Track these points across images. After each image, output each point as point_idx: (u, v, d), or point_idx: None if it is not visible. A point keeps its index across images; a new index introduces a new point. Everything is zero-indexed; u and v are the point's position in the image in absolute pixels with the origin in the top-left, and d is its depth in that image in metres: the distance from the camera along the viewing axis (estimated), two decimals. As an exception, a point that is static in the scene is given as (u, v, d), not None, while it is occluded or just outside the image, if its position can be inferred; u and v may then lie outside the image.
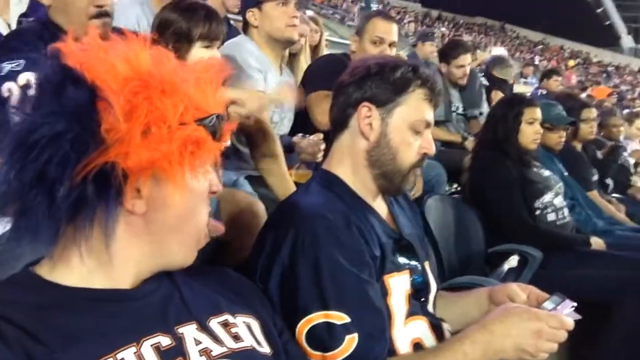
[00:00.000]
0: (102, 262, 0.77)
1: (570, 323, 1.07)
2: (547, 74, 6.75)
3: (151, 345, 0.75)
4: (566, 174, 3.16)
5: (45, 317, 0.71)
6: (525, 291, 1.28)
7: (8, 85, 1.32)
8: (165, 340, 0.77)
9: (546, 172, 2.75)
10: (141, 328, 0.76)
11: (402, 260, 1.27)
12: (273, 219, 1.25)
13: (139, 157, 0.71)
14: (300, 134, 2.18)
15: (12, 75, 1.32)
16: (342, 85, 1.29)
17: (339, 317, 1.07)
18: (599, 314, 2.35)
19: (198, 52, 1.70)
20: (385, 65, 1.25)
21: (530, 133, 2.64)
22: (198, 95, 0.78)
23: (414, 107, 1.24)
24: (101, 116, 0.70)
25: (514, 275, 2.42)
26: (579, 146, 3.57)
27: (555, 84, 6.40)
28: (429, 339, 1.25)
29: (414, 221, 1.45)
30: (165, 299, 0.83)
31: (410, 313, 1.24)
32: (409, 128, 1.24)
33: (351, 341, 1.06)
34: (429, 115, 1.26)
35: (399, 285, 1.22)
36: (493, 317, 1.11)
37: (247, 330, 0.88)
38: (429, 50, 5.07)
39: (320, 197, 1.21)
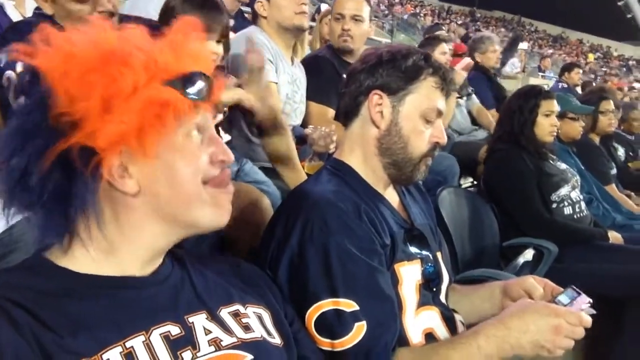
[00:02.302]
0: (105, 250, 0.77)
1: (588, 320, 1.05)
2: (568, 67, 6.66)
3: (160, 334, 0.74)
4: (583, 167, 3.11)
5: (55, 303, 0.71)
6: (541, 284, 1.26)
7: (7, 74, 1.36)
8: (174, 330, 0.76)
9: (563, 165, 2.71)
10: (151, 316, 0.75)
11: (413, 249, 1.26)
12: (283, 207, 1.24)
13: (106, 133, 0.70)
14: (312, 126, 2.16)
15: (11, 65, 1.35)
16: (353, 72, 1.27)
17: (348, 305, 1.06)
18: (616, 309, 2.32)
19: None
20: (397, 53, 1.23)
21: (546, 125, 2.60)
22: (167, 58, 0.75)
23: (425, 95, 1.23)
24: (51, 104, 0.70)
25: (529, 269, 2.39)
26: (596, 139, 3.51)
27: (577, 77, 6.31)
28: (440, 330, 1.24)
29: (426, 212, 1.44)
30: (176, 288, 0.82)
31: (422, 303, 1.23)
32: (420, 116, 1.22)
33: (360, 329, 1.06)
34: (441, 103, 1.24)
35: (409, 275, 1.21)
36: (510, 312, 1.09)
37: (258, 320, 0.88)
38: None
39: (330, 186, 1.21)
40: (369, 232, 1.13)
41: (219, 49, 1.71)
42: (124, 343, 0.71)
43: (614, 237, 2.55)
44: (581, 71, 6.65)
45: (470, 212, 2.52)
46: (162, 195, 0.77)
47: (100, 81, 0.70)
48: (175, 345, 0.75)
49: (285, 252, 1.12)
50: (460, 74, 3.53)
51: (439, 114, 1.25)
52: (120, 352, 0.70)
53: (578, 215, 2.61)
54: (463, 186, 3.69)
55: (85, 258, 0.76)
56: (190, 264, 0.88)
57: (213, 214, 0.81)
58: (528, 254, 2.32)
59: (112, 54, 0.72)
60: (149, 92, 0.72)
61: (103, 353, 0.69)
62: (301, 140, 2.23)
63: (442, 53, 3.52)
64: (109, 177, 0.73)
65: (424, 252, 1.27)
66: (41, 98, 0.71)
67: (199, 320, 0.80)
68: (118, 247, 0.77)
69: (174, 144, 0.76)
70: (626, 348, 2.28)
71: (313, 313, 1.06)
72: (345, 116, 1.30)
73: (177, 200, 0.78)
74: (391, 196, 1.32)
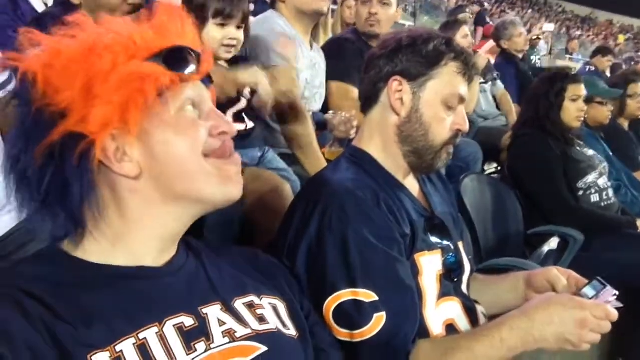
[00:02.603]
0: (113, 239, 0.77)
1: (615, 314, 1.01)
2: (602, 51, 6.47)
3: (174, 325, 0.74)
4: (611, 153, 3.03)
5: (68, 293, 0.70)
6: (565, 275, 1.23)
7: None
8: (188, 321, 0.75)
9: (590, 152, 2.64)
10: (164, 308, 0.75)
11: (434, 239, 1.23)
12: (301, 195, 1.22)
13: (92, 116, 0.70)
14: (332, 111, 2.13)
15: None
16: (372, 58, 1.24)
17: (368, 295, 1.04)
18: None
19: (211, 29, 1.66)
20: (417, 38, 1.20)
21: (573, 110, 2.53)
22: (148, 37, 0.76)
23: (447, 81, 1.19)
24: (37, 98, 0.71)
25: (554, 257, 2.35)
26: (625, 124, 3.41)
27: (608, 63, 6.14)
28: (462, 321, 1.22)
29: (447, 200, 1.41)
30: (190, 278, 0.81)
31: (443, 294, 1.20)
32: (442, 103, 1.19)
33: (379, 319, 1.04)
34: (463, 89, 1.21)
35: (430, 265, 1.19)
36: (535, 304, 1.06)
37: (273, 311, 0.87)
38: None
39: (349, 174, 1.18)
40: (388, 221, 1.11)
41: (239, 34, 1.68)
42: (137, 334, 0.70)
43: (643, 225, 2.48)
44: (613, 59, 6.45)
45: (494, 199, 2.48)
46: (163, 174, 0.76)
47: (81, 68, 0.71)
48: (189, 336, 0.74)
49: (304, 240, 1.10)
50: (483, 58, 3.46)
51: (461, 100, 1.21)
52: (134, 344, 0.70)
53: (605, 202, 2.55)
54: (487, 172, 3.63)
55: (96, 248, 0.76)
56: (205, 255, 0.87)
57: (221, 186, 0.79)
58: (553, 243, 2.27)
59: (93, 43, 0.73)
60: (128, 68, 0.72)
61: (116, 344, 0.68)
62: (321, 126, 2.21)
63: (464, 36, 3.45)
64: (106, 161, 0.73)
65: (445, 242, 1.25)
66: (29, 94, 0.72)
67: (213, 312, 0.79)
68: (127, 236, 0.77)
69: (166, 120, 0.76)
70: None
71: (331, 303, 1.05)
72: (365, 103, 1.27)
73: (179, 177, 0.76)
74: (411, 184, 1.29)
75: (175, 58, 0.76)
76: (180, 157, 0.76)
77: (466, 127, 1.23)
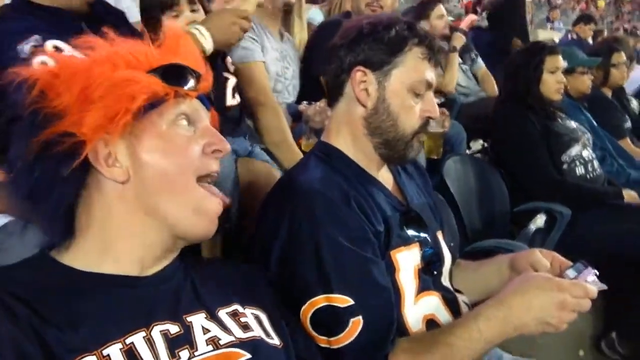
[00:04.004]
0: (101, 247, 0.78)
1: (594, 291, 0.99)
2: (582, 19, 6.41)
3: (160, 331, 0.75)
4: (595, 123, 3.00)
5: (56, 299, 0.72)
6: (548, 257, 1.19)
7: (39, 59, 1.26)
8: (173, 328, 0.76)
9: (573, 124, 2.60)
10: (150, 314, 0.76)
11: (410, 232, 1.19)
12: (271, 198, 1.17)
13: (88, 119, 0.73)
14: (305, 102, 2.08)
15: (38, 51, 1.25)
16: (334, 49, 1.19)
17: (343, 300, 1.00)
18: (633, 270, 2.25)
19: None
20: (378, 24, 1.14)
21: (553, 83, 2.48)
22: (151, 54, 0.81)
23: (412, 67, 1.14)
24: (33, 99, 0.75)
25: (542, 235, 2.32)
26: (609, 93, 3.37)
27: (590, 31, 6.09)
28: (442, 315, 1.18)
29: (424, 189, 1.37)
30: (177, 289, 0.83)
31: (422, 289, 1.16)
32: (409, 90, 1.14)
33: (356, 324, 1.00)
34: (430, 75, 1.16)
35: (407, 261, 1.14)
36: (511, 289, 1.02)
37: (256, 321, 0.87)
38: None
39: (318, 172, 1.13)
40: (359, 221, 1.07)
41: (198, 16, 1.59)
42: (124, 340, 0.72)
43: (629, 195, 2.46)
44: (594, 26, 6.40)
45: (478, 179, 2.45)
46: (146, 183, 0.78)
47: (82, 75, 0.75)
48: (173, 343, 0.75)
49: (275, 246, 1.06)
50: (459, 38, 3.38)
51: (429, 85, 1.16)
52: (121, 349, 0.71)
53: (591, 174, 2.52)
54: (473, 148, 3.59)
55: (83, 256, 0.78)
56: (192, 267, 0.88)
57: (197, 218, 0.80)
58: (539, 220, 2.24)
59: (98, 56, 0.79)
60: (121, 74, 0.76)
61: (103, 349, 0.70)
62: (296, 117, 2.16)
63: (439, 17, 3.37)
64: (96, 164, 0.76)
65: (422, 234, 1.20)
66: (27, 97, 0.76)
67: (198, 320, 0.80)
68: (114, 245, 0.78)
69: (158, 132, 0.78)
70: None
71: (307, 310, 1.01)
72: (330, 96, 1.22)
73: (160, 190, 0.78)
74: (385, 177, 1.25)
75: (172, 73, 0.80)
76: (165, 170, 0.78)
77: (436, 113, 1.18)
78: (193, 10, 1.54)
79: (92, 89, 0.74)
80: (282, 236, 1.05)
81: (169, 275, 0.83)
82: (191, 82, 0.82)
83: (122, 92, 0.75)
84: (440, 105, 3.44)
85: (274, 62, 2.06)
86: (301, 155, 1.88)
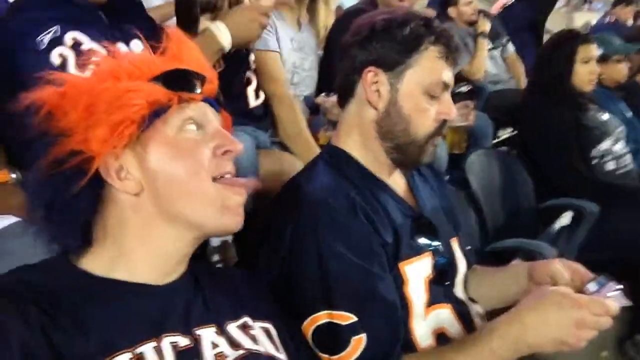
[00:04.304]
0: (116, 253, 0.78)
1: (614, 308, 0.92)
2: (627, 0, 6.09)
3: (170, 343, 0.75)
4: (630, 114, 2.86)
5: (70, 304, 0.71)
6: (570, 270, 1.12)
7: (58, 50, 1.26)
8: (183, 341, 0.76)
9: (605, 116, 2.48)
10: (162, 325, 0.75)
11: (422, 241, 1.13)
12: (277, 204, 1.13)
13: (95, 135, 0.74)
14: (323, 94, 2.02)
15: (56, 42, 1.26)
16: (345, 46, 1.13)
17: (345, 317, 0.96)
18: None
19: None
20: (392, 21, 1.08)
21: (585, 73, 2.37)
22: (153, 62, 0.81)
23: (428, 68, 1.07)
24: (44, 120, 0.76)
25: (568, 233, 2.23)
26: (645, 81, 3.21)
27: (631, 12, 5.78)
28: (454, 328, 1.13)
29: (439, 191, 1.31)
30: (188, 300, 0.82)
31: (432, 301, 1.11)
32: (424, 93, 1.08)
33: (358, 342, 0.96)
34: (447, 75, 1.09)
35: (417, 273, 1.09)
36: (526, 305, 0.96)
37: (265, 335, 0.87)
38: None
39: (325, 179, 1.08)
40: (366, 232, 1.02)
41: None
42: (133, 350, 0.71)
43: (663, 192, 2.34)
44: (636, 7, 6.05)
45: (503, 174, 2.36)
46: (160, 192, 0.77)
47: (86, 92, 0.75)
48: (182, 356, 0.74)
49: (279, 258, 1.03)
50: (485, 23, 3.25)
51: (446, 87, 1.10)
52: (130, 358, 0.70)
53: (622, 170, 2.42)
54: (501, 137, 3.49)
55: (100, 262, 0.78)
56: (204, 278, 0.87)
57: (217, 214, 0.79)
58: (565, 218, 2.15)
59: (101, 71, 0.79)
60: (122, 86, 0.75)
61: (113, 357, 0.69)
62: (314, 110, 2.11)
63: (467, 3, 3.24)
64: (108, 179, 0.76)
65: (434, 243, 1.15)
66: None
67: (207, 334, 0.79)
68: (130, 253, 0.78)
69: (165, 140, 0.77)
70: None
71: (309, 326, 0.98)
72: (340, 96, 1.17)
73: (176, 197, 0.77)
74: (397, 181, 1.19)
75: (174, 79, 0.79)
76: (177, 176, 0.77)
77: (453, 114, 1.11)
78: None
79: (96, 105, 0.74)
80: (286, 248, 1.01)
81: (181, 286, 0.82)
82: (196, 86, 0.81)
83: (124, 103, 0.74)
84: (467, 93, 3.36)
85: (290, 53, 2.00)
86: (317, 150, 1.84)
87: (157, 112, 0.77)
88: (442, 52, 1.08)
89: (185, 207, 0.78)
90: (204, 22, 1.51)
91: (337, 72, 1.17)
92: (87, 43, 1.28)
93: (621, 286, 0.98)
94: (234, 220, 0.80)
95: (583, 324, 0.90)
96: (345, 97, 1.15)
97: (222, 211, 0.79)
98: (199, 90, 0.81)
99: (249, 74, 1.71)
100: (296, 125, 1.82)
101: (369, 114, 1.11)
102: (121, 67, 0.79)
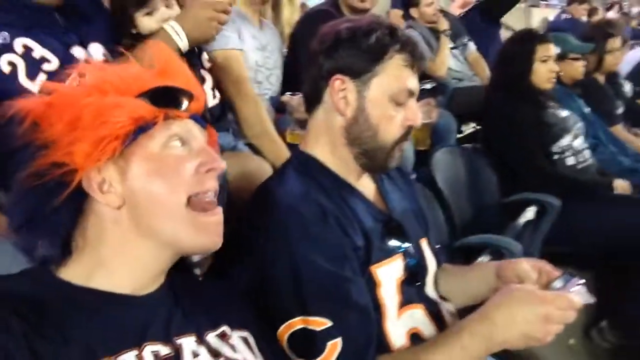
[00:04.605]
0: (97, 263, 0.78)
1: (578, 302, 0.96)
2: None
3: (151, 352, 0.75)
4: (587, 110, 2.95)
5: (51, 313, 0.71)
6: (536, 268, 1.16)
7: (7, 57, 1.21)
8: (164, 350, 0.77)
9: (564, 113, 2.56)
10: (143, 335, 0.76)
11: (393, 244, 1.15)
12: (247, 211, 1.13)
13: (79, 148, 0.74)
14: (288, 93, 2.02)
15: (5, 49, 1.22)
16: (312, 54, 1.13)
17: (319, 323, 0.97)
18: (624, 261, 2.24)
19: (143, 23, 1.49)
20: (357, 30, 1.09)
21: (544, 72, 2.44)
22: (140, 77, 0.81)
23: (394, 75, 1.09)
24: (29, 131, 0.76)
25: (532, 227, 2.30)
26: (601, 78, 3.32)
27: (584, 11, 5.96)
28: (427, 328, 1.15)
29: (408, 193, 1.32)
30: (168, 310, 0.82)
31: (405, 302, 1.13)
32: (390, 100, 1.09)
33: (334, 347, 0.97)
34: (412, 83, 1.11)
35: (389, 275, 1.11)
36: (494, 303, 0.99)
37: (244, 343, 0.88)
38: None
39: (294, 186, 1.09)
40: (337, 238, 1.03)
41: (173, 12, 1.52)
42: (115, 358, 0.71)
43: (620, 185, 2.43)
44: (589, 6, 6.23)
45: (468, 171, 2.42)
46: (140, 208, 0.77)
47: (72, 104, 0.75)
48: None
49: (251, 265, 1.03)
50: (444, 22, 3.30)
51: (411, 94, 1.11)
52: None
53: (582, 164, 2.50)
54: (465, 132, 3.55)
55: (80, 271, 0.78)
56: (182, 289, 0.88)
57: (195, 236, 0.80)
58: (529, 213, 2.21)
59: (88, 84, 0.79)
60: (107, 101, 0.76)
61: None
62: (280, 109, 2.11)
63: (428, 4, 3.28)
64: (91, 191, 0.76)
65: (405, 245, 1.17)
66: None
67: (188, 343, 0.80)
68: (109, 264, 0.78)
69: (150, 156, 0.78)
70: (636, 300, 2.21)
71: (284, 332, 0.98)
72: (308, 103, 1.17)
73: (154, 215, 0.78)
74: (366, 185, 1.20)
75: (161, 96, 0.80)
76: (156, 193, 0.77)
77: (419, 121, 1.14)
78: (167, 6, 1.46)
79: (80, 118, 0.74)
80: (257, 255, 1.02)
81: (161, 297, 0.83)
82: (182, 103, 0.81)
83: (109, 119, 0.74)
84: (431, 90, 3.40)
85: (253, 51, 1.99)
86: (284, 147, 1.85)
87: (142, 128, 0.77)
88: (407, 60, 1.10)
89: (161, 224, 0.78)
90: (140, 19, 1.47)
91: (304, 79, 1.18)
92: (39, 50, 1.23)
93: (584, 281, 1.03)
94: (212, 240, 0.81)
95: (549, 319, 0.94)
96: (312, 103, 1.16)
97: (198, 231, 0.79)
98: (185, 107, 0.82)
99: (203, 72, 1.68)
100: (261, 124, 1.81)
101: (337, 120, 1.12)
102: (108, 81, 0.79)
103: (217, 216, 0.82)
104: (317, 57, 1.11)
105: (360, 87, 1.09)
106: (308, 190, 1.08)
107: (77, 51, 1.29)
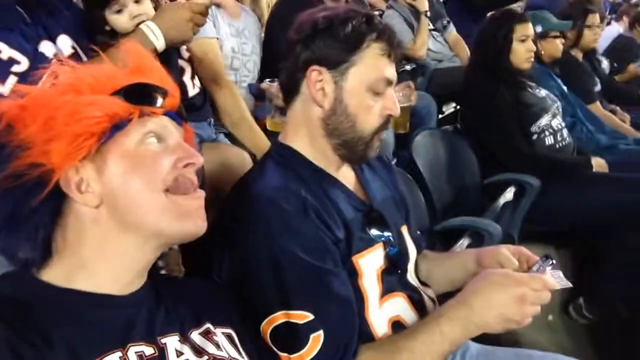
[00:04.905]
0: (78, 265, 0.78)
1: (552, 283, 0.99)
2: None
3: (135, 352, 0.75)
4: (565, 88, 2.97)
5: (34, 316, 0.71)
6: (515, 253, 1.17)
7: None
8: (148, 350, 0.77)
9: (542, 92, 2.57)
10: (126, 336, 0.76)
11: (373, 233, 1.15)
12: (227, 206, 1.13)
13: (54, 149, 0.74)
14: (267, 80, 2.00)
15: None
16: (289, 44, 1.12)
17: (302, 317, 0.97)
18: (601, 239, 2.29)
19: (113, 20, 1.44)
20: (334, 19, 1.08)
21: (522, 52, 2.44)
22: (114, 76, 0.81)
23: (371, 65, 1.08)
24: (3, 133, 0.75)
25: (511, 207, 2.33)
26: (579, 55, 3.34)
27: None
28: (408, 315, 1.16)
29: (388, 181, 1.33)
30: (151, 310, 0.83)
31: (386, 291, 1.14)
32: (367, 90, 1.09)
33: (317, 339, 0.98)
34: (389, 71, 1.10)
35: (370, 264, 1.12)
36: (472, 288, 1.01)
37: (228, 340, 0.89)
38: None
39: (274, 179, 1.08)
40: (317, 231, 1.03)
41: (144, 8, 1.48)
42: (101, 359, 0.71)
43: (598, 163, 2.47)
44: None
45: (448, 153, 2.42)
46: (119, 205, 0.77)
47: (46, 105, 0.75)
48: None
49: (232, 260, 1.03)
50: (423, 3, 3.27)
51: (389, 83, 1.11)
52: None
53: (560, 144, 2.53)
54: (446, 112, 3.56)
55: (61, 273, 0.78)
56: (164, 287, 0.88)
57: (177, 221, 0.79)
58: (508, 194, 2.24)
59: (61, 84, 0.79)
60: (81, 100, 0.76)
61: None
62: (260, 97, 2.09)
63: None
64: (68, 192, 0.76)
65: (386, 234, 1.17)
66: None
67: (172, 342, 0.81)
68: (91, 264, 0.78)
69: (126, 153, 0.78)
70: (612, 277, 2.27)
71: (266, 327, 0.98)
72: (285, 94, 1.16)
73: (134, 210, 0.78)
74: (346, 175, 1.20)
75: (135, 93, 0.80)
76: (134, 190, 0.77)
77: (397, 110, 1.13)
78: (137, 2, 1.42)
79: (55, 118, 0.74)
80: (239, 250, 1.02)
81: (144, 296, 0.83)
82: (157, 100, 0.82)
83: (83, 117, 0.75)
84: (411, 71, 3.38)
85: (228, 38, 1.96)
86: (263, 135, 1.84)
87: (117, 126, 0.77)
88: (384, 49, 1.09)
89: (143, 218, 0.78)
90: (110, 17, 1.43)
91: (281, 69, 1.16)
92: (6, 51, 1.20)
93: (554, 261, 1.05)
94: (196, 224, 0.81)
95: (524, 300, 0.95)
96: (290, 94, 1.15)
97: (181, 217, 0.79)
98: (160, 104, 0.82)
99: (182, 62, 1.66)
100: (239, 112, 1.80)
101: (315, 111, 1.11)
102: (82, 81, 0.79)
103: (198, 200, 0.82)
104: (295, 47, 1.10)
105: (338, 78, 1.08)
106: (288, 183, 1.07)
107: (46, 47, 1.25)
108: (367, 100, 1.09)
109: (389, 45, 1.09)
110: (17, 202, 0.74)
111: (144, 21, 1.40)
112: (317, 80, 1.08)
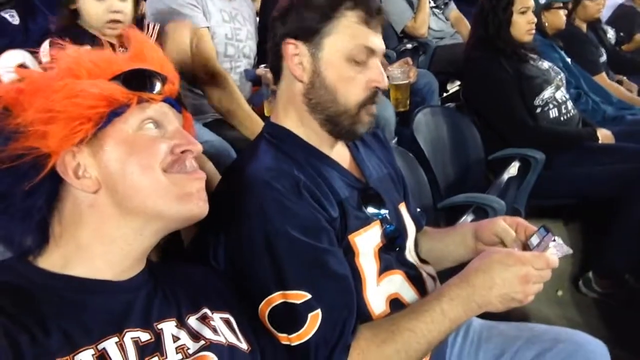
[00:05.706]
0: (75, 250, 0.78)
1: (555, 261, 0.96)
2: None
3: (131, 338, 0.75)
4: (569, 60, 2.92)
5: (30, 303, 0.71)
6: (513, 224, 1.16)
7: None
8: (144, 336, 0.77)
9: (545, 64, 2.53)
10: (123, 321, 0.76)
11: (370, 211, 1.14)
12: (221, 189, 1.11)
13: (52, 133, 0.74)
14: (263, 65, 1.98)
15: None
16: (271, 22, 1.10)
17: (299, 296, 0.96)
18: (607, 209, 2.26)
19: (88, 4, 1.45)
20: None
21: (523, 24, 2.40)
22: (114, 61, 0.81)
23: (348, 34, 1.05)
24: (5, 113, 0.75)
25: (517, 182, 2.30)
26: (583, 26, 3.27)
27: None
28: (407, 293, 1.15)
29: (384, 158, 1.31)
30: (148, 295, 0.83)
31: (383, 269, 1.13)
32: (347, 60, 1.06)
33: (315, 318, 0.97)
34: (371, 40, 1.07)
35: (367, 243, 1.10)
36: (474, 267, 0.99)
37: (226, 325, 0.89)
38: None
39: (267, 160, 1.07)
40: (312, 210, 1.01)
41: (125, 6, 1.47)
42: (96, 346, 0.72)
43: (604, 135, 2.43)
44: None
45: (451, 130, 2.40)
46: (118, 190, 0.77)
47: (44, 89, 0.75)
48: (144, 351, 0.75)
49: (227, 243, 1.02)
50: None
51: (371, 52, 1.08)
52: (93, 355, 0.71)
53: (565, 116, 2.48)
54: (451, 91, 3.51)
55: (58, 259, 0.77)
56: (162, 273, 0.88)
57: (179, 203, 0.79)
58: (512, 169, 2.21)
59: (60, 69, 0.79)
60: (80, 85, 0.75)
61: (75, 354, 0.70)
62: (257, 82, 2.07)
63: None
64: (66, 177, 0.76)
65: (382, 211, 1.16)
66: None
67: (168, 327, 0.81)
68: (89, 250, 0.78)
69: (124, 138, 0.78)
70: (618, 247, 2.24)
71: (264, 308, 0.98)
72: (273, 74, 1.15)
73: (134, 193, 0.77)
74: (340, 153, 1.18)
75: (134, 79, 0.80)
76: (132, 174, 0.77)
77: (385, 82, 1.10)
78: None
79: (53, 102, 0.74)
80: (233, 233, 1.01)
81: (141, 282, 0.83)
82: (156, 86, 0.82)
83: (82, 102, 0.75)
84: (413, 49, 3.34)
85: (221, 25, 1.93)
86: (260, 122, 1.82)
87: (116, 111, 0.77)
88: (362, 17, 1.06)
89: (142, 201, 0.77)
90: None
91: (267, 51, 1.15)
92: None
93: (556, 237, 1.03)
94: (197, 206, 0.81)
95: (527, 279, 0.94)
96: (277, 74, 1.14)
97: (181, 199, 0.79)
98: (159, 91, 0.82)
99: None
100: (235, 100, 1.78)
101: (297, 87, 1.09)
102: (81, 65, 0.78)
103: (199, 180, 0.82)
104: (274, 25, 1.08)
105: (314, 50, 1.06)
106: (281, 164, 1.06)
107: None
108: (346, 71, 1.06)
109: (366, 13, 1.06)
110: (12, 183, 0.74)
111: (118, 20, 1.39)
112: (294, 54, 1.06)
